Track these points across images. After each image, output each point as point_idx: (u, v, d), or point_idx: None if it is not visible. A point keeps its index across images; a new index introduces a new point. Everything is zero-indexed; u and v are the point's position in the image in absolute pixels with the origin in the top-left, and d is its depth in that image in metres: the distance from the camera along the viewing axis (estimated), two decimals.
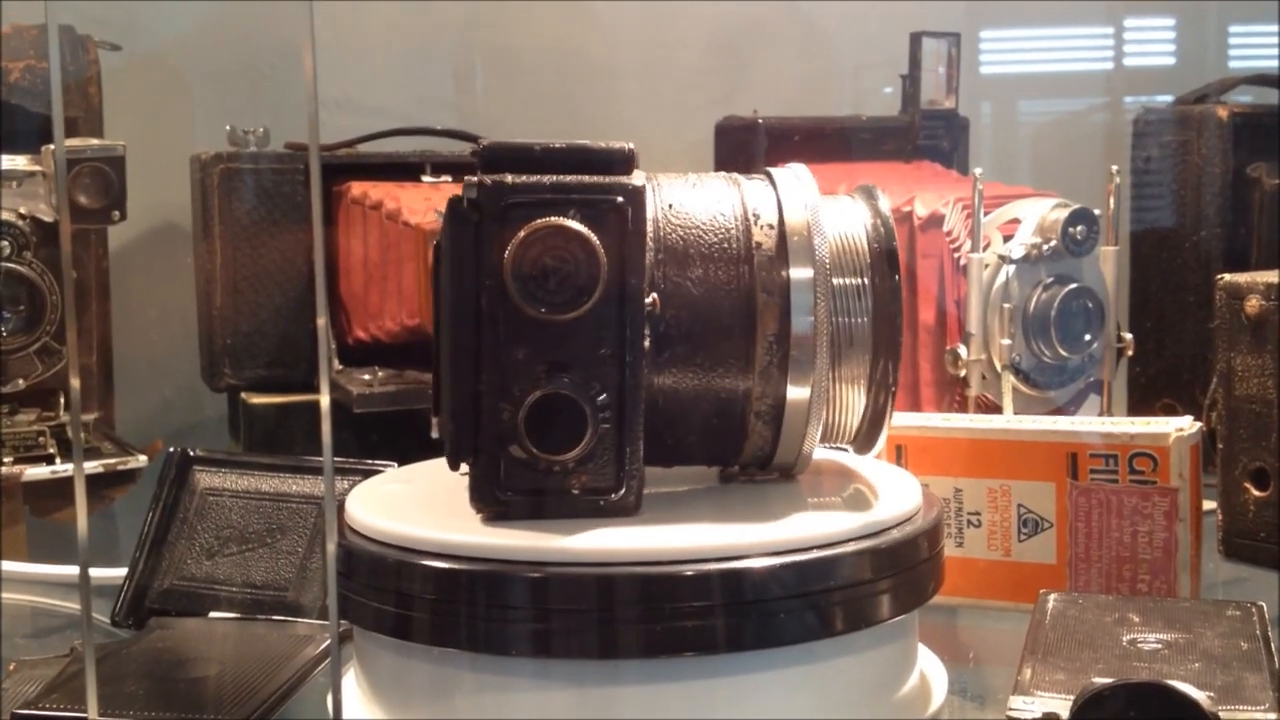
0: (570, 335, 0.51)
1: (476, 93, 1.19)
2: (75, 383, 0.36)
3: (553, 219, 0.50)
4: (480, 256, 0.50)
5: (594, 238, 0.50)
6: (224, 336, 0.95)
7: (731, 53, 1.19)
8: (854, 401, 0.56)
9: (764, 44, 1.19)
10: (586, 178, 0.51)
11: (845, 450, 0.59)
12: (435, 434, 0.55)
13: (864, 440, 0.58)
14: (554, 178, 0.51)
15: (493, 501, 0.51)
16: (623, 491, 0.52)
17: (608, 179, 0.51)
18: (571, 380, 0.51)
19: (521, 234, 0.50)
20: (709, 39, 1.19)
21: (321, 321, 0.42)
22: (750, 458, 0.56)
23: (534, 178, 0.51)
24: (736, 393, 0.54)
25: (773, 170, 0.57)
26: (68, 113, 0.90)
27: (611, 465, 0.51)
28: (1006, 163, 1.25)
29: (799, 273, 0.53)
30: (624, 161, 0.52)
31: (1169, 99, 1.01)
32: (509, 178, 0.50)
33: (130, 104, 1.00)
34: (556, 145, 0.52)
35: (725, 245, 0.54)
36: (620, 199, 0.51)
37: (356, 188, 0.94)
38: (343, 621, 0.55)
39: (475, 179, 0.51)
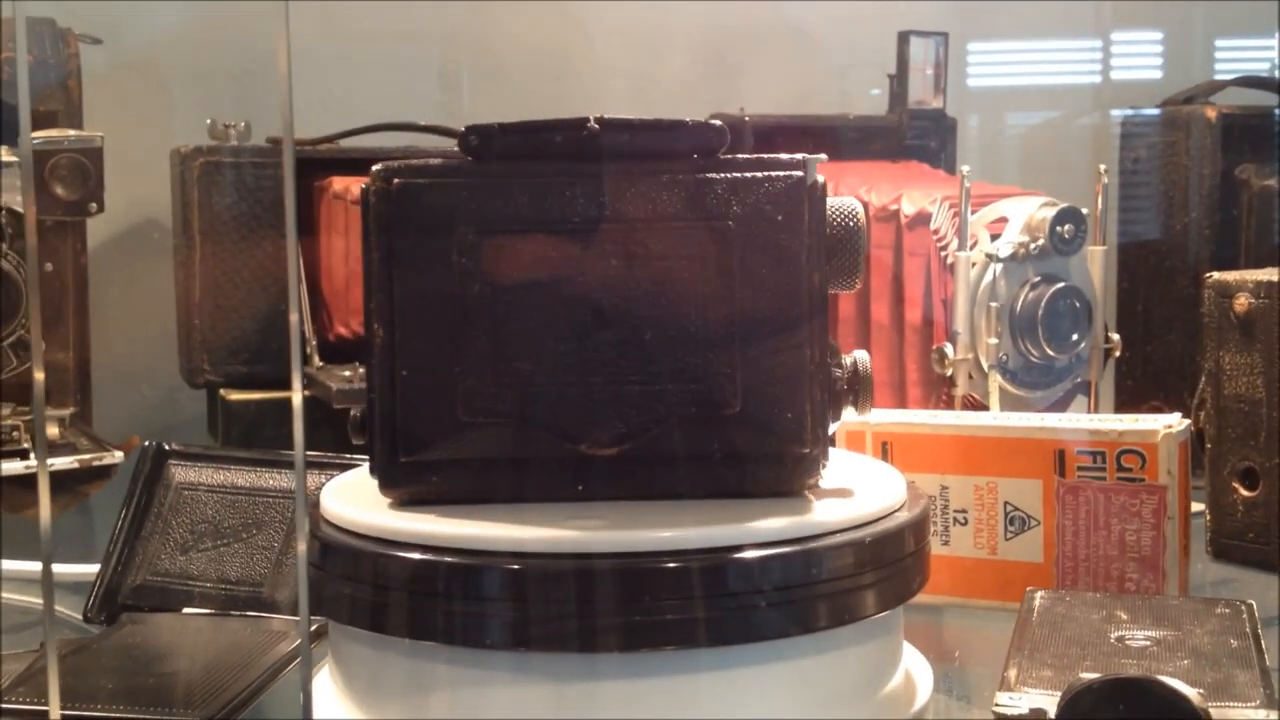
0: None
1: (462, 92, 1.18)
2: (39, 375, 0.35)
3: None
4: (815, 232, 0.51)
5: None
6: (203, 332, 0.94)
7: (718, 53, 1.19)
8: None
9: (751, 44, 1.19)
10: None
11: None
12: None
13: None
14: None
15: (816, 473, 0.52)
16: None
17: None
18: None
19: (862, 211, 0.53)
20: (695, 39, 1.19)
21: (294, 318, 0.41)
22: None
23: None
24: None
25: None
26: (47, 106, 0.89)
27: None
28: (994, 166, 1.24)
29: None
30: None
31: (1156, 112, 1.00)
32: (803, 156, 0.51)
33: (112, 99, 0.99)
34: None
35: None
36: None
37: (338, 183, 0.93)
38: (318, 616, 0.54)
39: (805, 156, 0.51)
